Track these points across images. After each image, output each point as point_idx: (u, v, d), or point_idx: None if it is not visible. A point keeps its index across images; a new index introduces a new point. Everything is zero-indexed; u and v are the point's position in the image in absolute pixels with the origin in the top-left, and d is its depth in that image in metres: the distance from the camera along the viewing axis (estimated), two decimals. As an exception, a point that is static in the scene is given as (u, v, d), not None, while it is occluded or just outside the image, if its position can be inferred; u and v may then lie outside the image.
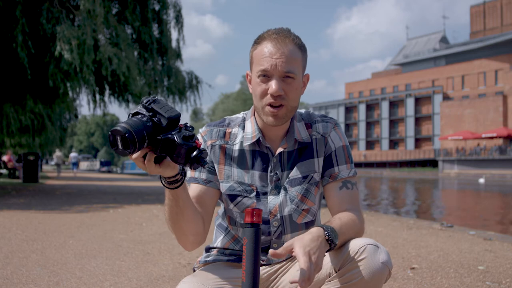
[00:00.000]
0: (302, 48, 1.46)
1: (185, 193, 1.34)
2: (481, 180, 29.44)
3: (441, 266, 3.47)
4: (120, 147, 1.16)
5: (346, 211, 1.44)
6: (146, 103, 1.23)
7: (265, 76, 1.41)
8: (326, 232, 1.27)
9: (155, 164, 1.23)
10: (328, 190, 1.52)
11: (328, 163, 1.52)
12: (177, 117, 1.22)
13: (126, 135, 1.14)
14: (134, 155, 1.20)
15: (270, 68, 1.39)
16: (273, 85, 1.39)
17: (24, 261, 3.44)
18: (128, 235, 4.89)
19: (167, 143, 1.19)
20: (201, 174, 1.52)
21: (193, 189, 1.49)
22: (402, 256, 3.86)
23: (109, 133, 1.17)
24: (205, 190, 1.50)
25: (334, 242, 1.28)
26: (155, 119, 1.20)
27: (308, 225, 1.56)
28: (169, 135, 1.19)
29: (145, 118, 1.19)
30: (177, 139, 1.18)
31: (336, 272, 1.33)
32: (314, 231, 1.28)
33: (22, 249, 3.92)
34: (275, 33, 1.43)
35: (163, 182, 1.31)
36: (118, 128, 1.15)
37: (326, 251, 1.27)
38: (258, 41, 1.46)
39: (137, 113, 1.23)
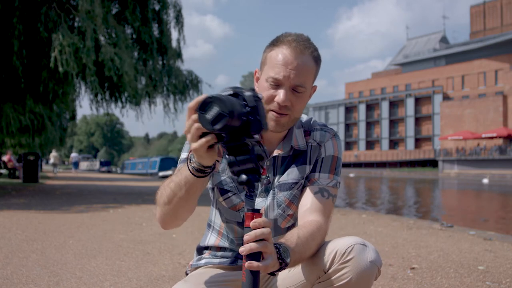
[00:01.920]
0: (317, 60, 1.44)
1: (202, 185, 1.30)
2: (485, 181, 29.34)
3: (441, 266, 3.47)
4: (208, 117, 1.08)
5: (311, 222, 1.39)
6: (254, 96, 1.14)
7: (276, 84, 1.39)
8: (276, 249, 1.19)
9: (205, 148, 1.15)
10: (303, 192, 1.49)
11: (312, 168, 1.51)
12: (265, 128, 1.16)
13: (227, 116, 1.06)
14: (200, 129, 1.11)
15: (282, 78, 1.37)
16: (281, 94, 1.38)
17: (24, 261, 3.44)
18: (128, 235, 4.89)
19: (246, 151, 1.12)
20: None
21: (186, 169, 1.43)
22: (402, 256, 3.86)
23: (209, 97, 1.08)
24: None
25: (284, 261, 1.20)
26: (250, 118, 1.13)
27: (290, 229, 1.53)
28: (255, 149, 1.13)
29: (245, 110, 1.11)
30: (256, 153, 1.12)
31: (324, 274, 1.32)
32: None
33: (22, 249, 3.92)
34: (295, 40, 1.40)
35: (190, 166, 1.24)
36: (223, 104, 1.06)
37: (277, 271, 1.19)
38: (276, 43, 1.42)
39: (243, 98, 1.13)
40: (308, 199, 1.46)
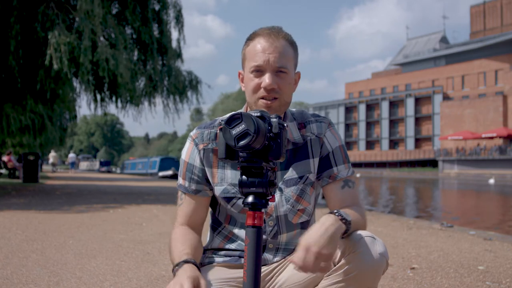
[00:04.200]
0: (293, 45, 1.48)
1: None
2: (491, 181, 29.36)
3: (441, 266, 3.47)
4: (234, 132, 1.10)
5: (350, 209, 1.45)
6: (280, 123, 1.17)
7: (258, 71, 1.42)
8: (337, 213, 1.30)
9: None
10: (328, 190, 1.51)
11: (326, 164, 1.52)
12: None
13: (252, 136, 1.08)
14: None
15: (263, 63, 1.41)
16: (266, 78, 1.41)
17: (24, 261, 3.44)
18: (128, 235, 4.89)
19: (260, 175, 1.15)
20: (191, 184, 1.52)
21: (185, 201, 1.53)
22: (402, 256, 3.86)
23: (238, 114, 1.10)
24: (196, 199, 1.52)
25: (347, 221, 1.30)
26: (272, 143, 1.15)
27: (304, 225, 1.56)
28: (268, 174, 1.15)
29: (269, 135, 1.14)
30: (269, 179, 1.15)
31: (334, 266, 1.33)
32: (322, 219, 1.29)
33: (22, 249, 3.92)
34: (267, 29, 1.46)
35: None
36: (251, 123, 1.09)
37: (344, 233, 1.30)
38: (250, 38, 1.48)
39: (268, 123, 1.16)
40: (338, 195, 1.50)
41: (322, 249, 1.20)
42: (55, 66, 9.40)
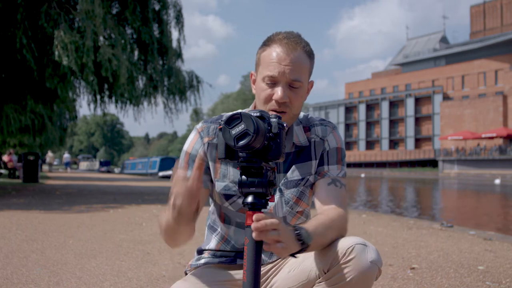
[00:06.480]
0: (311, 55, 1.46)
1: (192, 218, 1.30)
2: (497, 181, 29.38)
3: (441, 266, 3.47)
4: (233, 132, 1.09)
5: (330, 209, 1.42)
6: (279, 123, 1.16)
7: (272, 81, 1.40)
8: (297, 231, 1.21)
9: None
10: (315, 185, 1.51)
11: (320, 162, 1.52)
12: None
13: (251, 136, 1.07)
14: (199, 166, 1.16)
15: (277, 74, 1.39)
16: (279, 91, 1.39)
17: (24, 261, 3.44)
18: (128, 235, 4.89)
19: (259, 174, 1.14)
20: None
21: None
22: (402, 256, 3.86)
23: (237, 114, 1.10)
24: None
25: (305, 243, 1.22)
26: (271, 144, 1.14)
27: None
28: (268, 174, 1.14)
29: (268, 135, 1.14)
30: (269, 179, 1.14)
31: (324, 274, 1.32)
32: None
33: (22, 249, 3.92)
34: (285, 37, 1.41)
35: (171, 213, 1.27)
36: (250, 123, 1.08)
37: (298, 252, 1.22)
38: (267, 43, 1.44)
39: (268, 123, 1.15)
40: (323, 191, 1.48)
41: (282, 228, 1.14)
42: (64, 62, 9.42)
